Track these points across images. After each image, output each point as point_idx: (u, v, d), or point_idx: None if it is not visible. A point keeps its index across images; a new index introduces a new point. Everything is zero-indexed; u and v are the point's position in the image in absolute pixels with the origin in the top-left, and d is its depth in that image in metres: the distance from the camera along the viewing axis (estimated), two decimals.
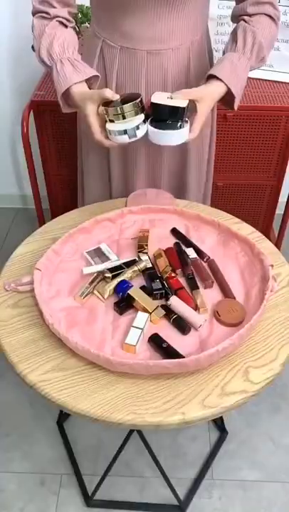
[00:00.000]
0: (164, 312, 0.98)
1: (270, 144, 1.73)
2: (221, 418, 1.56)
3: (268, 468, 1.48)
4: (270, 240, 1.21)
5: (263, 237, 1.19)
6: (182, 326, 0.96)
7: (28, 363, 0.91)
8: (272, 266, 1.04)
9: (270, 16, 1.16)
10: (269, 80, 1.76)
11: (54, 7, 1.15)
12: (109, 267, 1.06)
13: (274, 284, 1.03)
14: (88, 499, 1.39)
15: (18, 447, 1.53)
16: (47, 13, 1.14)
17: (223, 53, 1.18)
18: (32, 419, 1.60)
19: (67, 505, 1.40)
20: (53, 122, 1.71)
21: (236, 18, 1.20)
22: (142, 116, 1.05)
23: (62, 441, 1.54)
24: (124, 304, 1.00)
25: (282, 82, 1.76)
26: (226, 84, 1.11)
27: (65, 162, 1.79)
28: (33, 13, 1.17)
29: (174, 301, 0.99)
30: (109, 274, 1.04)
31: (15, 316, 1.00)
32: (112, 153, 1.33)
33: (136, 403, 0.85)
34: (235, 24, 1.20)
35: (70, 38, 1.16)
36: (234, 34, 1.17)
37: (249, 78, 1.75)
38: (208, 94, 1.10)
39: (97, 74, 1.15)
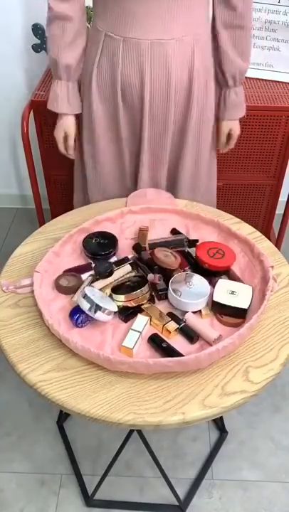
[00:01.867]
0: (176, 326, 0.96)
1: (270, 144, 1.73)
2: (221, 418, 1.56)
3: (268, 468, 1.48)
4: (270, 240, 1.21)
5: (263, 237, 1.19)
6: (190, 335, 0.95)
7: (28, 363, 0.91)
8: (272, 267, 1.04)
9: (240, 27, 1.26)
10: (269, 80, 1.76)
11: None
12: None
13: (274, 284, 1.03)
14: (88, 499, 1.39)
15: (18, 447, 1.53)
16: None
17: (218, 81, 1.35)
18: (32, 419, 1.60)
19: (67, 505, 1.40)
20: (53, 122, 1.70)
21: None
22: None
23: (62, 441, 1.54)
24: (130, 313, 0.99)
25: (282, 82, 1.76)
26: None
27: (65, 162, 1.78)
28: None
29: (190, 317, 0.98)
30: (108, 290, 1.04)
31: (15, 316, 1.00)
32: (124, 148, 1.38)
33: (136, 403, 0.85)
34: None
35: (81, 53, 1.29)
36: (220, 67, 1.32)
37: (249, 78, 1.77)
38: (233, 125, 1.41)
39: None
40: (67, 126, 1.35)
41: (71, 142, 1.39)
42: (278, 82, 1.76)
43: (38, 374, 0.90)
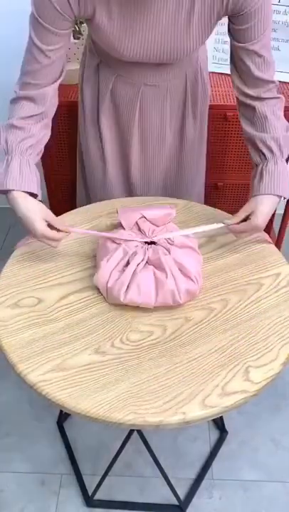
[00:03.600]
0: None
1: None
2: (221, 418, 1.56)
3: (268, 468, 1.48)
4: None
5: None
6: None
7: (28, 363, 0.91)
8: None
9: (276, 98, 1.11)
10: None
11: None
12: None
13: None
14: (88, 499, 1.39)
15: (18, 447, 1.53)
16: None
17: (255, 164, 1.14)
18: (32, 419, 1.60)
19: (67, 505, 1.40)
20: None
21: (244, 103, 1.12)
22: None
23: (62, 441, 1.54)
24: None
25: (282, 82, 1.76)
26: (274, 194, 1.08)
27: (65, 162, 1.78)
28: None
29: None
30: None
31: (15, 316, 1.00)
32: (107, 148, 1.34)
33: (136, 403, 0.85)
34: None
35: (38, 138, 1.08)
36: (253, 143, 1.11)
37: None
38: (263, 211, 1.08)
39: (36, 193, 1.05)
40: (37, 210, 1.02)
41: (58, 221, 1.05)
42: (278, 82, 1.76)
43: (38, 374, 0.90)
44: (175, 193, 1.40)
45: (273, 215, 1.95)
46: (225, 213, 1.26)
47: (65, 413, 1.54)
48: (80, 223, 1.22)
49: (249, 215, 1.07)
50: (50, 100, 1.07)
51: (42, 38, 1.00)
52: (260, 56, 1.06)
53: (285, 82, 1.76)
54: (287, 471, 1.48)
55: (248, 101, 1.10)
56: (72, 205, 1.59)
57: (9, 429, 1.57)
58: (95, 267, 1.07)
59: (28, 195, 1.02)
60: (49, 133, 1.11)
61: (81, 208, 1.29)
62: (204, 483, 1.44)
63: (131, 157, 1.32)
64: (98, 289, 1.04)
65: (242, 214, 1.09)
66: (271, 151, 1.07)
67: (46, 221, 1.02)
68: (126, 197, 1.37)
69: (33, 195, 1.04)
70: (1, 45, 1.98)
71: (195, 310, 1.02)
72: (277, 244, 1.98)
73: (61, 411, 1.53)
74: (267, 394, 1.64)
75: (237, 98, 1.13)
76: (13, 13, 1.84)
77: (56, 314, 1.01)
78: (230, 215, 1.25)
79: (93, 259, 1.11)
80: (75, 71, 1.43)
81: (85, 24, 1.70)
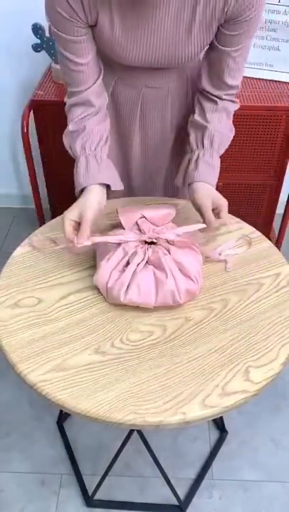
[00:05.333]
0: None
1: (270, 143, 1.73)
2: (221, 418, 1.56)
3: (268, 468, 1.48)
4: (270, 239, 1.21)
5: (263, 237, 1.19)
6: None
7: (28, 363, 0.91)
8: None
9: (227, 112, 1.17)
10: (269, 80, 1.76)
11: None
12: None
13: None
14: (88, 499, 1.39)
15: (18, 447, 1.53)
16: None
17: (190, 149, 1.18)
18: (32, 419, 1.60)
19: (67, 505, 1.40)
20: (53, 122, 1.71)
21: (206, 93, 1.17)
22: None
23: (62, 441, 1.54)
24: None
25: (282, 82, 1.76)
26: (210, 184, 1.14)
27: (65, 162, 1.78)
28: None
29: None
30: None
31: (15, 316, 1.00)
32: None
33: (136, 403, 0.85)
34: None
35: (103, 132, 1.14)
36: (197, 130, 1.17)
37: (249, 78, 1.77)
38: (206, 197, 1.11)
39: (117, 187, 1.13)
40: (88, 204, 1.05)
41: (86, 227, 1.02)
42: (278, 82, 1.76)
43: (38, 374, 0.90)
44: (176, 193, 1.40)
45: (273, 215, 1.96)
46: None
47: (65, 413, 1.54)
48: None
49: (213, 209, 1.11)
50: (97, 97, 1.12)
51: (68, 49, 1.04)
52: (236, 63, 1.09)
53: (285, 82, 1.76)
54: (287, 471, 1.47)
55: (208, 95, 1.16)
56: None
57: (9, 429, 1.57)
58: (95, 267, 1.07)
59: (96, 188, 1.08)
60: (105, 126, 1.15)
61: None
62: (204, 483, 1.44)
63: (132, 159, 1.32)
64: (98, 289, 1.04)
65: (208, 213, 1.10)
66: (212, 144, 1.14)
67: (78, 219, 1.03)
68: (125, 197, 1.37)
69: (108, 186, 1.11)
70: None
71: (195, 310, 1.02)
72: (277, 244, 1.98)
73: (61, 411, 1.53)
74: (267, 394, 1.64)
75: (199, 89, 1.18)
76: (12, 13, 1.84)
77: (56, 314, 1.01)
78: (230, 215, 1.26)
79: (93, 259, 1.11)
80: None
81: None
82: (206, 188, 1.12)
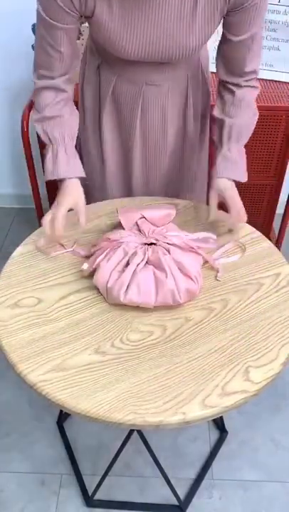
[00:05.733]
0: None
1: (270, 143, 1.73)
2: (221, 418, 1.56)
3: (268, 468, 1.48)
4: (270, 240, 1.21)
5: (263, 237, 1.19)
6: None
7: (28, 363, 0.91)
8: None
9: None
10: (269, 80, 1.76)
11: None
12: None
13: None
14: (88, 499, 1.39)
15: (18, 447, 1.53)
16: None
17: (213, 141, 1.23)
18: (32, 419, 1.59)
19: (67, 505, 1.40)
20: None
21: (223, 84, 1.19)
22: None
23: (62, 441, 1.54)
24: None
25: (282, 82, 1.76)
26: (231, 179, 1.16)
27: None
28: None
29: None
30: None
31: (15, 316, 1.00)
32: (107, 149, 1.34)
33: (136, 403, 0.85)
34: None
35: (72, 124, 1.15)
36: (221, 126, 1.18)
37: None
38: (229, 190, 1.16)
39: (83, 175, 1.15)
40: (75, 195, 1.11)
41: (82, 219, 1.12)
42: (278, 81, 1.76)
43: (38, 374, 0.90)
44: (177, 191, 1.39)
45: (273, 215, 1.96)
46: (224, 213, 1.26)
47: (65, 413, 1.54)
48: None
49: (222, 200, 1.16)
50: (67, 84, 1.13)
51: (52, 35, 1.03)
52: (250, 51, 1.09)
53: (285, 82, 1.76)
54: (287, 471, 1.47)
55: (228, 85, 1.17)
56: None
57: (9, 429, 1.57)
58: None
59: (77, 180, 1.12)
60: (77, 117, 1.17)
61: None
62: (204, 483, 1.44)
63: (133, 157, 1.31)
64: (98, 289, 1.04)
65: (211, 211, 1.17)
66: (229, 138, 1.17)
67: (71, 208, 1.10)
68: (126, 197, 1.37)
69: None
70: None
71: (195, 310, 1.02)
72: (277, 244, 1.98)
73: (61, 411, 1.53)
74: (267, 394, 1.64)
75: (219, 80, 1.19)
76: (13, 13, 1.84)
77: (56, 314, 1.01)
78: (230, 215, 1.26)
79: (93, 259, 1.11)
80: (76, 71, 1.42)
81: (85, 24, 1.70)
82: (221, 184, 1.15)
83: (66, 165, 1.11)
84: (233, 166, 1.16)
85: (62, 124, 1.12)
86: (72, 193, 1.10)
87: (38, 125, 1.13)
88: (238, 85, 1.15)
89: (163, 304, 1.00)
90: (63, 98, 1.12)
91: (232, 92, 1.16)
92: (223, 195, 1.14)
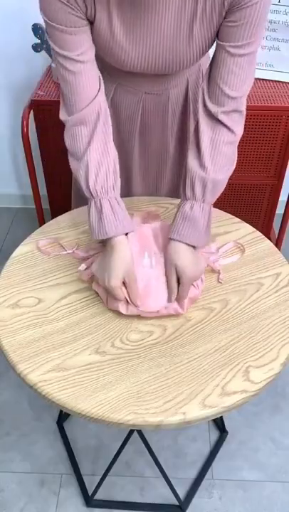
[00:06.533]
0: None
1: (270, 143, 1.73)
2: (221, 418, 1.56)
3: (268, 468, 1.48)
4: (270, 239, 1.21)
5: (263, 237, 1.19)
6: None
7: (28, 363, 0.91)
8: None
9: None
10: (269, 80, 1.76)
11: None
12: None
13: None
14: (88, 499, 1.39)
15: (18, 447, 1.53)
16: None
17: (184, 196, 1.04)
18: (32, 419, 1.60)
19: (67, 505, 1.40)
20: (53, 122, 1.70)
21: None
22: None
23: (62, 441, 1.54)
24: None
25: (282, 82, 1.76)
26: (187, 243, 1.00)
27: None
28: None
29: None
30: None
31: (15, 316, 1.00)
32: None
33: (136, 403, 0.85)
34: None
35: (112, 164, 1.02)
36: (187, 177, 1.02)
37: None
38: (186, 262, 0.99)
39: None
40: (128, 260, 0.98)
41: (135, 288, 0.98)
42: (278, 81, 1.76)
43: (38, 374, 0.90)
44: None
45: (273, 215, 1.96)
46: (224, 212, 1.26)
47: (65, 413, 1.54)
48: (80, 223, 1.22)
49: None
50: (102, 114, 1.01)
51: (62, 45, 0.95)
52: (238, 66, 0.96)
53: (285, 82, 1.76)
54: (287, 471, 1.47)
55: (207, 112, 1.00)
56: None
57: (9, 429, 1.57)
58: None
59: (125, 238, 0.99)
60: (115, 152, 1.04)
61: (81, 207, 1.29)
62: (204, 483, 1.44)
63: (132, 166, 1.29)
64: None
65: (170, 280, 1.01)
66: (203, 194, 1.02)
67: (123, 277, 0.97)
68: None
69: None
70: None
71: (195, 310, 1.02)
72: (277, 244, 1.98)
73: (61, 411, 1.53)
74: (267, 394, 1.64)
75: (199, 104, 1.03)
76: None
77: (56, 314, 1.01)
78: (230, 215, 1.26)
79: (90, 262, 1.11)
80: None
81: None
82: (176, 249, 0.99)
83: (113, 220, 0.97)
84: (195, 228, 1.00)
85: (101, 171, 0.99)
86: (125, 258, 0.97)
87: (78, 168, 1.02)
88: (215, 115, 0.99)
89: (165, 314, 1.00)
90: (97, 134, 1.00)
91: (210, 124, 1.00)
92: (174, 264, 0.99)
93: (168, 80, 1.16)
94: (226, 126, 0.99)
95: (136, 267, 1.00)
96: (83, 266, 1.06)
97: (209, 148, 1.00)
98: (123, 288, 0.97)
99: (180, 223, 1.00)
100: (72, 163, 1.05)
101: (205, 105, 1.00)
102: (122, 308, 0.98)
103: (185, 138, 1.28)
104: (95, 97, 1.00)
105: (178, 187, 1.35)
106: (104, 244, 1.02)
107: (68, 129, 1.02)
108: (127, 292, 0.98)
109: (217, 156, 1.01)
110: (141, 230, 1.07)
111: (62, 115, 1.03)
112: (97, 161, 1.00)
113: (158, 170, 1.32)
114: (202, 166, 1.00)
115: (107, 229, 0.98)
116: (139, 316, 1.00)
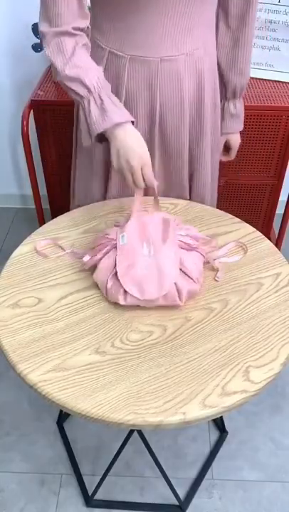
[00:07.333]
0: None
1: (270, 143, 1.73)
2: (221, 418, 1.56)
3: (268, 468, 1.48)
4: (270, 239, 1.21)
5: (263, 237, 1.19)
6: None
7: (28, 363, 0.91)
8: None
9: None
10: (269, 80, 1.76)
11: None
12: None
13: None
14: (88, 499, 1.39)
15: (18, 447, 1.53)
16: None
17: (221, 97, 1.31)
18: (32, 419, 1.60)
19: (67, 505, 1.40)
20: (53, 122, 1.71)
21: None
22: None
23: (62, 441, 1.54)
24: None
25: (282, 82, 1.76)
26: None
27: (65, 162, 1.79)
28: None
29: None
30: None
31: (15, 316, 1.00)
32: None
33: (136, 403, 0.85)
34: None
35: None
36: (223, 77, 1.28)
37: (249, 78, 1.76)
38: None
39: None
40: (139, 145, 1.02)
41: (149, 171, 1.04)
42: (278, 81, 1.76)
43: (38, 374, 0.90)
44: (196, 190, 1.35)
45: (273, 215, 1.96)
46: (224, 212, 1.26)
47: (65, 413, 1.54)
48: (80, 223, 1.22)
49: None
50: (83, 19, 1.05)
51: None
52: None
53: (285, 82, 1.76)
54: (287, 471, 1.48)
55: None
56: None
57: (9, 429, 1.57)
58: (95, 266, 1.06)
59: (132, 125, 1.03)
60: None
61: (81, 207, 1.29)
62: (204, 483, 1.44)
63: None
64: (98, 289, 1.04)
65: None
66: (234, 95, 1.31)
67: (142, 158, 1.03)
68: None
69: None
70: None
71: (195, 310, 1.02)
72: (277, 244, 1.98)
73: (61, 411, 1.53)
74: (267, 394, 1.64)
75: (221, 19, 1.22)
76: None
77: (56, 314, 1.01)
78: (230, 215, 1.26)
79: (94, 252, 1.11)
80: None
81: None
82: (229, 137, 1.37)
83: (118, 109, 1.01)
84: (238, 120, 1.34)
85: (94, 69, 1.02)
86: (140, 138, 1.02)
87: (71, 71, 1.01)
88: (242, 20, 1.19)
89: (164, 305, 1.00)
90: (84, 42, 1.04)
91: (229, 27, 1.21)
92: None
93: (184, 39, 1.10)
94: (249, 25, 1.20)
95: (136, 255, 1.01)
96: (87, 257, 1.05)
97: (242, 52, 1.24)
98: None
99: (229, 121, 1.34)
100: (61, 73, 1.03)
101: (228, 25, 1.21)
102: (121, 299, 0.99)
103: (200, 115, 1.23)
104: (83, 19, 1.03)
105: (191, 179, 1.34)
106: (110, 139, 1.03)
107: (50, 40, 1.02)
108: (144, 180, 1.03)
109: (248, 56, 1.26)
110: (139, 219, 1.07)
111: (44, 26, 1.03)
112: (86, 61, 1.03)
113: (175, 160, 1.27)
114: (240, 65, 1.26)
115: (113, 116, 1.00)
116: (138, 315, 1.00)
